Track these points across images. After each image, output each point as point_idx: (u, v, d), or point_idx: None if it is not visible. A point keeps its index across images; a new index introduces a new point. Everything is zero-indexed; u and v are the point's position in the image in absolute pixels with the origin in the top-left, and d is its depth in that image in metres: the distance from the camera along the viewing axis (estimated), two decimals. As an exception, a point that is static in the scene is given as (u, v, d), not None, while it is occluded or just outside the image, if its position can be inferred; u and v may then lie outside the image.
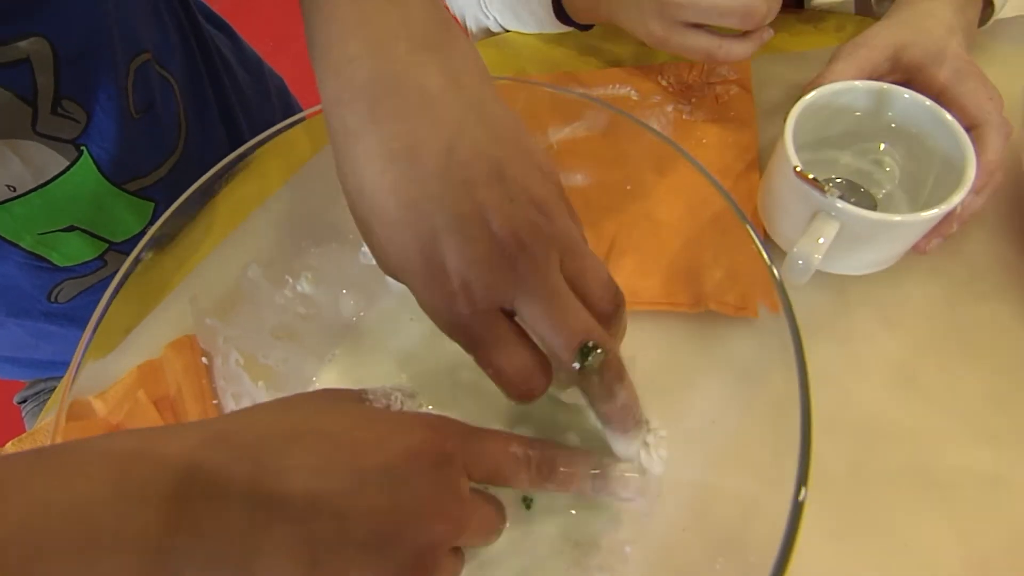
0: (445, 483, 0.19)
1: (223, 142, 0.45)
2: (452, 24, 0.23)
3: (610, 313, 0.22)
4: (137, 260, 0.27)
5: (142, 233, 0.40)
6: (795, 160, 0.29)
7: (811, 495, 0.20)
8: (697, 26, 0.34)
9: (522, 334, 0.21)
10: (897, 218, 0.28)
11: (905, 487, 0.28)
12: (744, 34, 0.35)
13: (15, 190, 0.32)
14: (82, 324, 0.39)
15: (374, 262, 0.27)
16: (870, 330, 0.32)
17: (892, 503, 0.28)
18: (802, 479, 0.19)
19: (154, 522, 0.15)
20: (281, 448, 0.18)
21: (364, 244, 0.31)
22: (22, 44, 0.29)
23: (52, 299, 0.39)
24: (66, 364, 0.36)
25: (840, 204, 0.27)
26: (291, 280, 0.31)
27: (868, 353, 0.31)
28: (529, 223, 0.20)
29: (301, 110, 0.35)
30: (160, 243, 0.28)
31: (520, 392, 0.21)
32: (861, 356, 0.31)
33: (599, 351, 0.20)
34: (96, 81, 0.33)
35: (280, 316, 0.30)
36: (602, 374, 0.21)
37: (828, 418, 0.29)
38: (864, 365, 0.31)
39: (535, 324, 0.20)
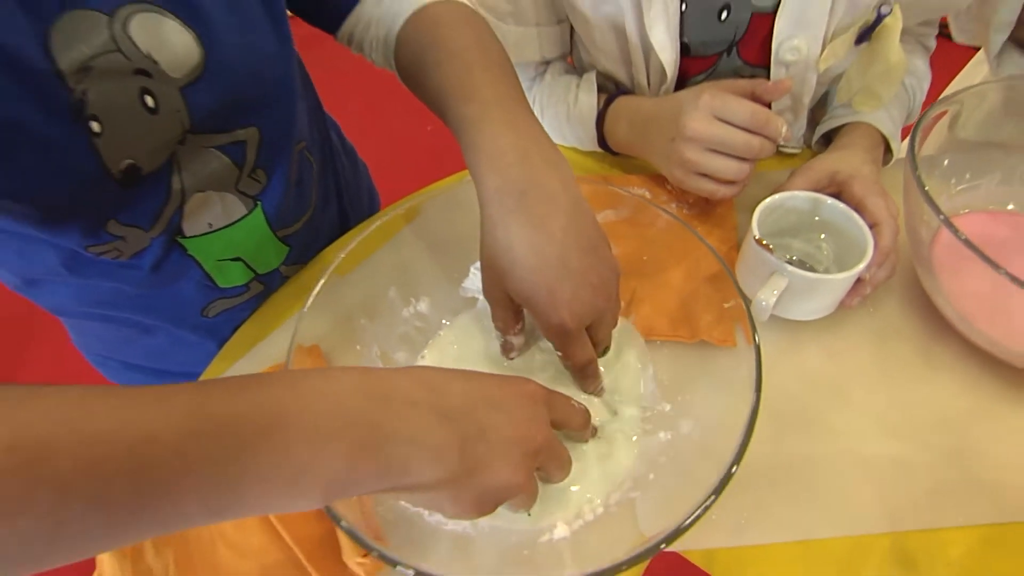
0: (541, 413, 0.32)
1: (336, 208, 0.60)
2: (557, 147, 0.38)
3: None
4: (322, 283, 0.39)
5: (278, 268, 0.53)
6: (757, 234, 0.43)
7: (771, 471, 0.33)
8: (703, 175, 0.50)
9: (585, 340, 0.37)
10: (822, 277, 0.42)
11: (840, 465, 0.40)
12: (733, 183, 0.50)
13: (212, 226, 0.45)
14: (217, 336, 0.51)
15: (471, 295, 0.42)
16: (816, 359, 0.45)
17: (830, 476, 0.40)
18: (737, 458, 0.31)
19: (377, 411, 0.27)
20: (445, 382, 0.30)
21: (465, 281, 0.44)
22: (242, 131, 0.44)
23: (203, 314, 0.51)
24: (193, 375, 0.47)
25: (786, 266, 0.42)
26: (414, 301, 0.44)
27: (814, 374, 0.45)
28: (605, 284, 0.37)
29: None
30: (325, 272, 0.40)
31: (581, 369, 0.38)
32: (809, 376, 0.44)
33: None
34: (278, 158, 0.47)
35: (404, 326, 0.43)
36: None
37: (784, 419, 0.42)
38: (811, 383, 0.44)
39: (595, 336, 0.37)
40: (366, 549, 0.29)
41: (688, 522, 0.29)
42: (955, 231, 0.38)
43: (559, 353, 0.38)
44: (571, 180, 0.37)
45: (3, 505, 0.19)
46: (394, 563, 0.29)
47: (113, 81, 0.34)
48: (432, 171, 0.65)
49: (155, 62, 0.36)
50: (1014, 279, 0.36)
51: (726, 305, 0.40)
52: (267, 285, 0.53)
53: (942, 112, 0.47)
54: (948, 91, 0.70)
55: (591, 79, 0.58)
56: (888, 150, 0.54)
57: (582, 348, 0.37)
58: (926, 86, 0.59)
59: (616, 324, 0.40)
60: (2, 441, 0.19)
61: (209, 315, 0.51)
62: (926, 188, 0.41)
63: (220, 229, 0.46)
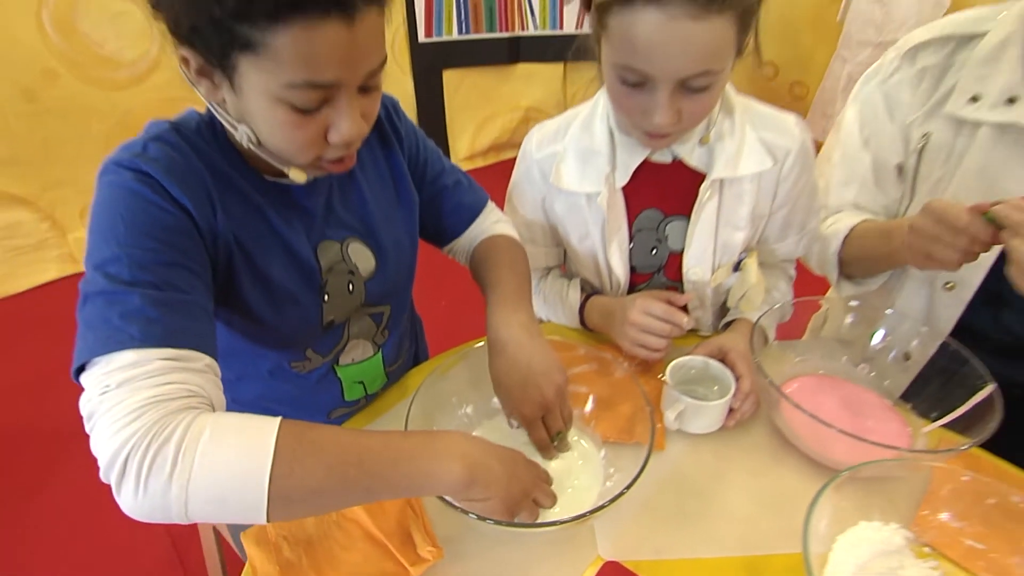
0: (535, 471, 0.61)
1: (411, 353, 0.93)
2: (537, 323, 0.71)
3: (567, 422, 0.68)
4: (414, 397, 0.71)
5: (377, 391, 0.84)
6: (668, 380, 0.75)
7: (676, 516, 0.62)
8: (640, 346, 0.82)
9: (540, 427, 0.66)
10: (701, 403, 0.72)
11: (716, 512, 0.67)
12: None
13: (354, 360, 0.78)
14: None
15: (499, 406, 0.73)
16: (708, 454, 0.74)
17: (710, 517, 0.67)
18: (629, 486, 0.60)
19: (471, 452, 0.55)
20: (488, 446, 0.59)
21: (495, 398, 0.76)
22: (384, 307, 0.79)
23: (329, 416, 0.82)
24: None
25: (682, 396, 0.72)
26: (470, 408, 0.75)
27: (707, 461, 0.73)
28: (559, 395, 0.66)
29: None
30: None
31: (538, 443, 0.67)
32: (704, 462, 0.73)
33: (560, 434, 0.67)
34: (396, 323, 0.82)
35: (461, 422, 0.74)
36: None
37: (686, 484, 0.70)
38: (704, 465, 0.72)
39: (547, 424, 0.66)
40: (466, 514, 0.57)
41: (590, 511, 0.57)
42: (780, 393, 0.69)
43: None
44: (539, 338, 0.68)
45: (303, 481, 0.47)
46: (473, 516, 0.56)
47: (339, 276, 0.71)
48: (448, 332, 0.98)
49: (356, 267, 0.72)
50: (818, 419, 0.66)
51: (658, 425, 0.71)
52: (370, 401, 0.84)
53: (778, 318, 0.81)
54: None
55: (576, 283, 0.94)
56: (764, 337, 0.86)
57: (538, 432, 0.67)
58: (790, 299, 0.93)
59: (568, 422, 0.69)
60: (321, 449, 0.49)
61: (331, 417, 0.82)
62: (764, 370, 0.73)
63: (358, 363, 0.79)
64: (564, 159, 0.85)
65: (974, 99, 0.77)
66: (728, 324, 0.89)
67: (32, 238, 2.46)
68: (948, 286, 0.84)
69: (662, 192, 0.84)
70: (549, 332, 0.88)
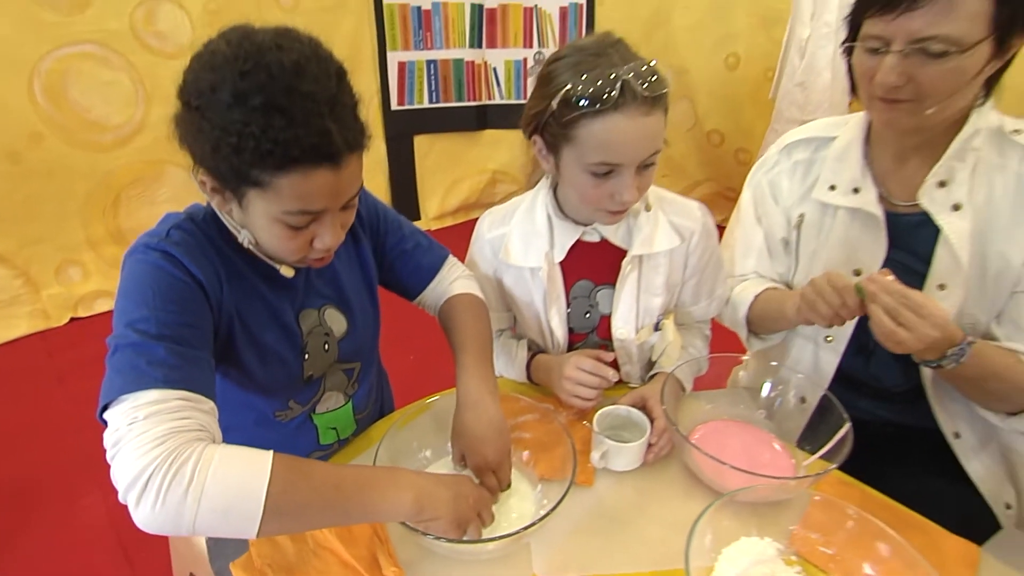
0: (478, 492, 0.74)
1: (379, 403, 1.06)
2: (496, 383, 0.86)
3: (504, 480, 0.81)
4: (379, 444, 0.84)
5: (349, 436, 0.96)
6: (593, 424, 0.89)
7: (603, 537, 0.75)
8: (575, 396, 0.97)
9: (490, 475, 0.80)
10: (620, 444, 0.86)
11: (633, 533, 0.80)
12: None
13: (328, 409, 0.91)
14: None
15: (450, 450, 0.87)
16: (630, 489, 0.87)
17: (628, 539, 0.80)
18: (555, 508, 0.74)
19: (420, 485, 0.69)
20: (434, 488, 0.71)
21: (450, 445, 0.89)
22: (354, 363, 0.92)
23: (306, 459, 0.93)
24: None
25: (604, 437, 0.87)
26: (429, 452, 0.88)
27: (630, 499, 0.86)
28: (504, 451, 0.80)
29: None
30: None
31: (491, 492, 0.79)
32: (626, 495, 0.86)
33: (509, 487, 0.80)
34: (365, 377, 0.95)
35: (420, 462, 0.87)
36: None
37: (612, 513, 0.83)
38: (626, 498, 0.86)
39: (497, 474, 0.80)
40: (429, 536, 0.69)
41: (520, 529, 0.70)
42: (684, 437, 0.84)
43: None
44: (497, 400, 0.83)
45: (292, 497, 0.60)
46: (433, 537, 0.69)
47: (317, 338, 0.84)
48: (416, 383, 1.11)
49: (331, 329, 0.86)
50: (713, 457, 0.81)
51: (587, 465, 0.84)
52: (342, 447, 0.96)
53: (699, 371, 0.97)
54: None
55: (524, 343, 1.09)
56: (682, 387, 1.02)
57: (488, 479, 0.80)
58: (705, 354, 1.09)
59: (508, 476, 0.81)
60: (308, 475, 0.62)
61: (309, 459, 0.94)
62: (670, 417, 0.88)
63: (331, 411, 0.92)
64: (511, 239, 1.01)
65: (832, 188, 0.96)
66: (652, 376, 1.05)
67: (4, 294, 2.52)
68: (828, 339, 1.01)
69: (592, 266, 1.01)
70: (501, 386, 1.02)
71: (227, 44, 0.62)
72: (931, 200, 0.87)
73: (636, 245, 0.96)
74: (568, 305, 1.03)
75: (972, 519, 0.90)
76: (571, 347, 1.07)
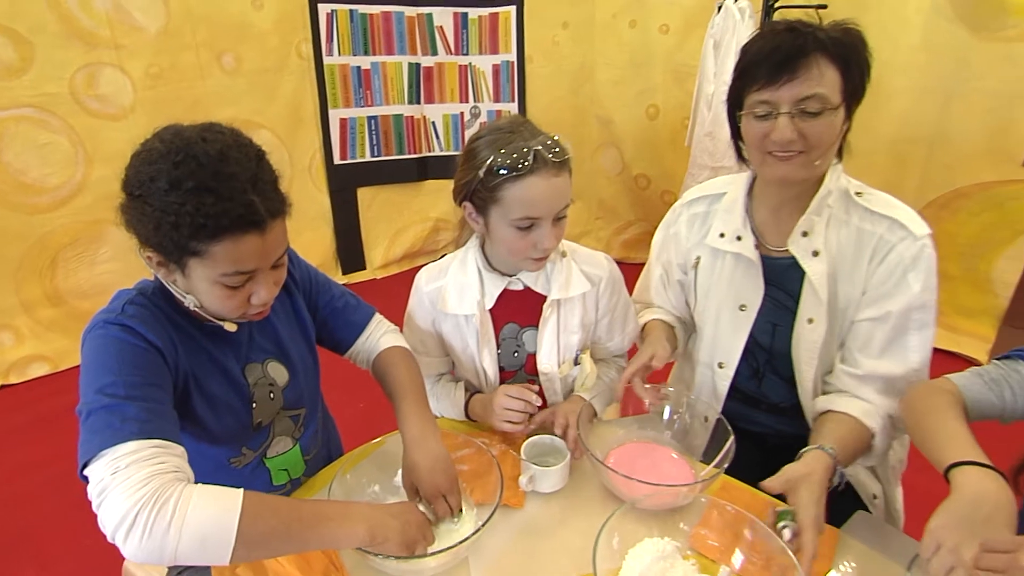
0: (421, 517, 0.84)
1: (326, 447, 1.14)
2: (436, 423, 0.97)
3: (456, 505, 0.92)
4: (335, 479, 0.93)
5: (300, 477, 1.04)
6: (521, 453, 1.00)
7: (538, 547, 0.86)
8: (506, 420, 1.09)
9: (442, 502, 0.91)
10: (544, 468, 0.98)
11: (561, 535, 0.91)
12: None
13: (278, 453, 0.99)
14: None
15: (397, 483, 0.96)
16: (557, 509, 0.99)
17: (540, 538, 0.91)
18: (483, 525, 0.85)
19: (370, 516, 0.78)
20: (383, 517, 0.81)
21: (395, 478, 0.99)
22: (300, 410, 1.01)
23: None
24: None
25: (530, 464, 0.98)
26: (377, 487, 0.97)
27: (556, 516, 0.97)
28: (452, 480, 0.91)
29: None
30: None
31: (443, 517, 0.90)
32: (554, 517, 0.97)
33: (461, 513, 0.91)
34: (311, 421, 1.04)
35: (371, 496, 0.96)
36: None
37: (541, 522, 0.94)
38: (554, 520, 0.97)
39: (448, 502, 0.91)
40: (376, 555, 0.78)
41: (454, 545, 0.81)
42: (596, 458, 0.96)
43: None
44: (439, 438, 0.94)
45: (259, 529, 0.69)
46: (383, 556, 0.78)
47: (263, 388, 0.93)
48: (364, 428, 1.20)
49: (275, 380, 0.95)
50: (620, 473, 0.93)
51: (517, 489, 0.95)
52: (294, 486, 1.04)
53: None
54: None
55: (461, 385, 1.20)
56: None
57: (440, 506, 0.90)
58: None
59: (458, 501, 0.92)
60: (274, 508, 0.71)
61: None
62: (584, 442, 1.00)
63: (281, 455, 1.00)
64: (447, 291, 1.13)
65: (722, 235, 1.13)
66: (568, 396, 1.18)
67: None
68: (720, 366, 1.17)
69: (518, 311, 1.14)
70: (440, 424, 1.13)
71: (160, 141, 0.74)
72: (797, 246, 1.03)
73: (554, 291, 1.10)
74: (498, 346, 1.15)
75: (847, 510, 1.05)
76: (502, 384, 1.19)
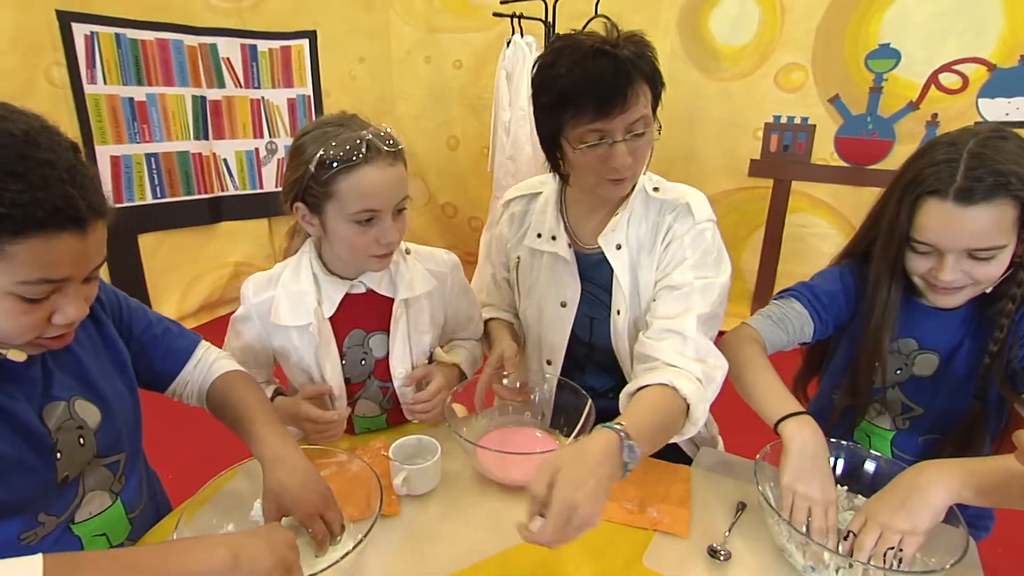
0: (287, 535, 0.75)
1: (153, 501, 0.96)
2: (291, 437, 0.88)
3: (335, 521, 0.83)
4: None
5: (123, 541, 0.87)
6: (390, 454, 0.96)
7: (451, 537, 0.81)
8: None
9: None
10: (415, 467, 0.94)
11: (457, 517, 0.88)
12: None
13: (92, 514, 0.82)
14: None
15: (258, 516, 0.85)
16: (435, 507, 0.95)
17: (457, 519, 0.87)
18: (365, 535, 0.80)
19: (227, 546, 0.67)
20: (246, 538, 0.71)
21: (255, 510, 0.87)
22: (117, 456, 0.85)
23: None
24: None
25: (403, 465, 0.94)
26: (231, 526, 0.84)
27: (435, 514, 0.94)
28: (326, 496, 0.82)
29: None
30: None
31: (315, 538, 0.81)
32: (434, 515, 0.94)
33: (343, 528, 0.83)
34: (132, 471, 0.87)
35: (248, 522, 0.83)
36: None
37: (420, 522, 0.90)
38: (434, 517, 0.93)
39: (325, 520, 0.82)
40: None
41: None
42: (468, 441, 0.95)
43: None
44: (302, 454, 0.85)
45: None
46: None
47: (68, 433, 0.77)
48: (193, 478, 1.05)
49: (84, 422, 0.79)
50: (488, 448, 0.93)
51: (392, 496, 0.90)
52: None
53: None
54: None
55: (269, 388, 1.10)
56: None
57: (317, 525, 0.80)
58: (478, 354, 1.24)
59: (338, 517, 0.83)
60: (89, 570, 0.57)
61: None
62: (457, 433, 0.99)
63: (96, 515, 0.82)
64: (279, 301, 1.05)
65: (539, 235, 1.18)
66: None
67: None
68: (548, 362, 1.22)
69: (362, 315, 1.09)
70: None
71: None
72: (605, 242, 1.08)
73: (401, 291, 1.08)
74: (343, 356, 1.09)
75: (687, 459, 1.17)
76: (350, 396, 1.12)
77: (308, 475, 0.83)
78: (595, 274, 1.14)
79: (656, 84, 0.97)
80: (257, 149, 3.30)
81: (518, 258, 1.22)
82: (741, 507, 0.94)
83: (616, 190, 1.04)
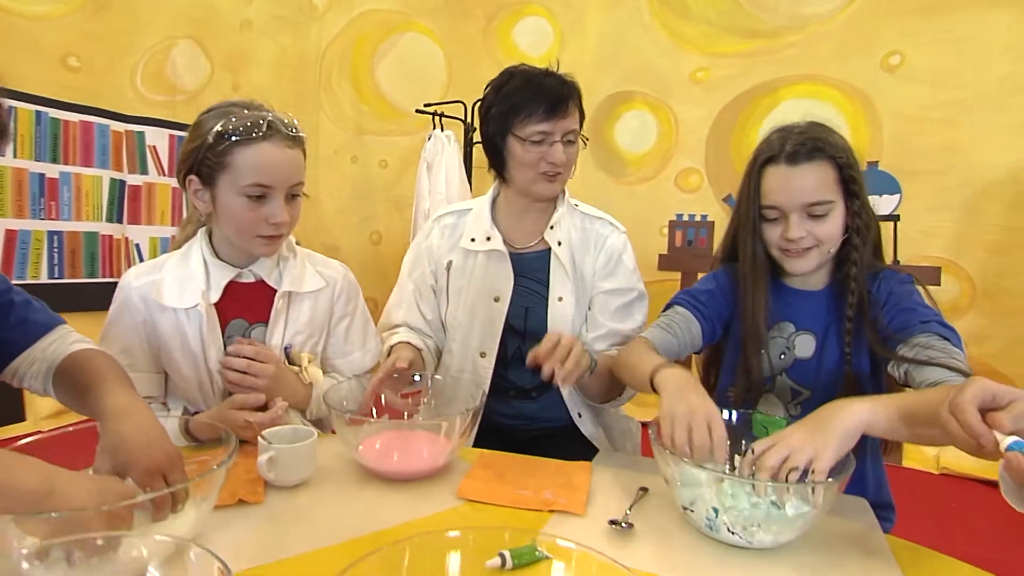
0: (128, 489, 0.65)
1: None
2: (146, 405, 0.79)
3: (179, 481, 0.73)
4: None
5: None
6: (262, 436, 0.87)
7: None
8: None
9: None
10: (286, 446, 0.86)
11: (358, 504, 0.78)
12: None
13: None
14: None
15: None
16: (306, 501, 0.85)
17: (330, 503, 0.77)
18: None
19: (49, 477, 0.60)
20: (71, 475, 0.62)
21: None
22: None
23: None
24: None
25: (272, 444, 0.85)
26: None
27: (305, 508, 0.84)
28: (173, 456, 0.73)
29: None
30: None
31: (161, 505, 0.68)
32: (303, 509, 0.83)
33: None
34: None
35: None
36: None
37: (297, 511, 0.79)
38: (304, 510, 0.83)
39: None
40: None
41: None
42: (360, 416, 0.89)
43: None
44: (153, 414, 0.76)
45: None
46: None
47: None
48: None
49: None
50: (371, 417, 0.86)
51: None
52: None
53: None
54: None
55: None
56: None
57: (158, 485, 0.70)
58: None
59: (183, 478, 0.72)
60: None
61: None
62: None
63: None
64: (164, 283, 1.01)
65: (473, 239, 1.26)
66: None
67: None
68: (481, 354, 1.24)
69: (247, 305, 1.05)
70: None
71: None
72: (550, 238, 1.24)
73: (286, 283, 1.06)
74: (225, 345, 1.02)
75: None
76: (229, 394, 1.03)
77: (152, 431, 0.74)
78: (530, 268, 1.24)
79: (582, 112, 1.21)
80: (173, 236, 3.22)
81: (450, 262, 1.27)
82: (643, 491, 0.89)
83: (549, 187, 1.20)
